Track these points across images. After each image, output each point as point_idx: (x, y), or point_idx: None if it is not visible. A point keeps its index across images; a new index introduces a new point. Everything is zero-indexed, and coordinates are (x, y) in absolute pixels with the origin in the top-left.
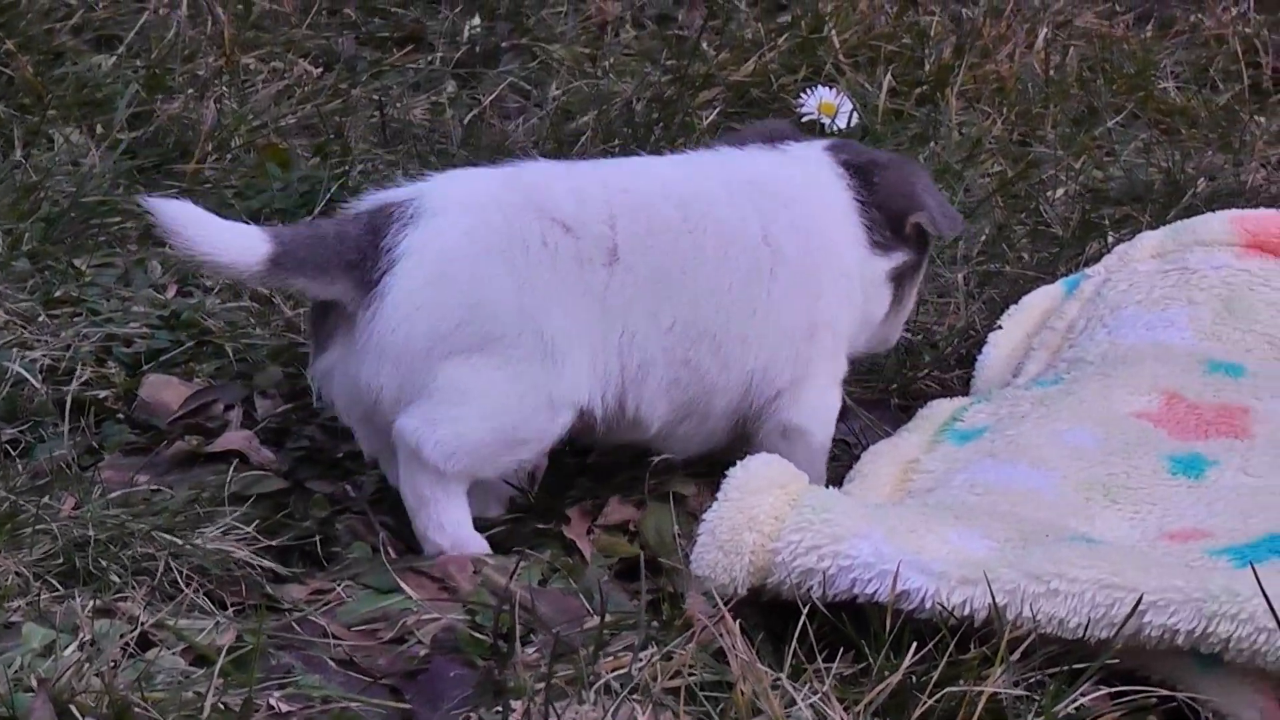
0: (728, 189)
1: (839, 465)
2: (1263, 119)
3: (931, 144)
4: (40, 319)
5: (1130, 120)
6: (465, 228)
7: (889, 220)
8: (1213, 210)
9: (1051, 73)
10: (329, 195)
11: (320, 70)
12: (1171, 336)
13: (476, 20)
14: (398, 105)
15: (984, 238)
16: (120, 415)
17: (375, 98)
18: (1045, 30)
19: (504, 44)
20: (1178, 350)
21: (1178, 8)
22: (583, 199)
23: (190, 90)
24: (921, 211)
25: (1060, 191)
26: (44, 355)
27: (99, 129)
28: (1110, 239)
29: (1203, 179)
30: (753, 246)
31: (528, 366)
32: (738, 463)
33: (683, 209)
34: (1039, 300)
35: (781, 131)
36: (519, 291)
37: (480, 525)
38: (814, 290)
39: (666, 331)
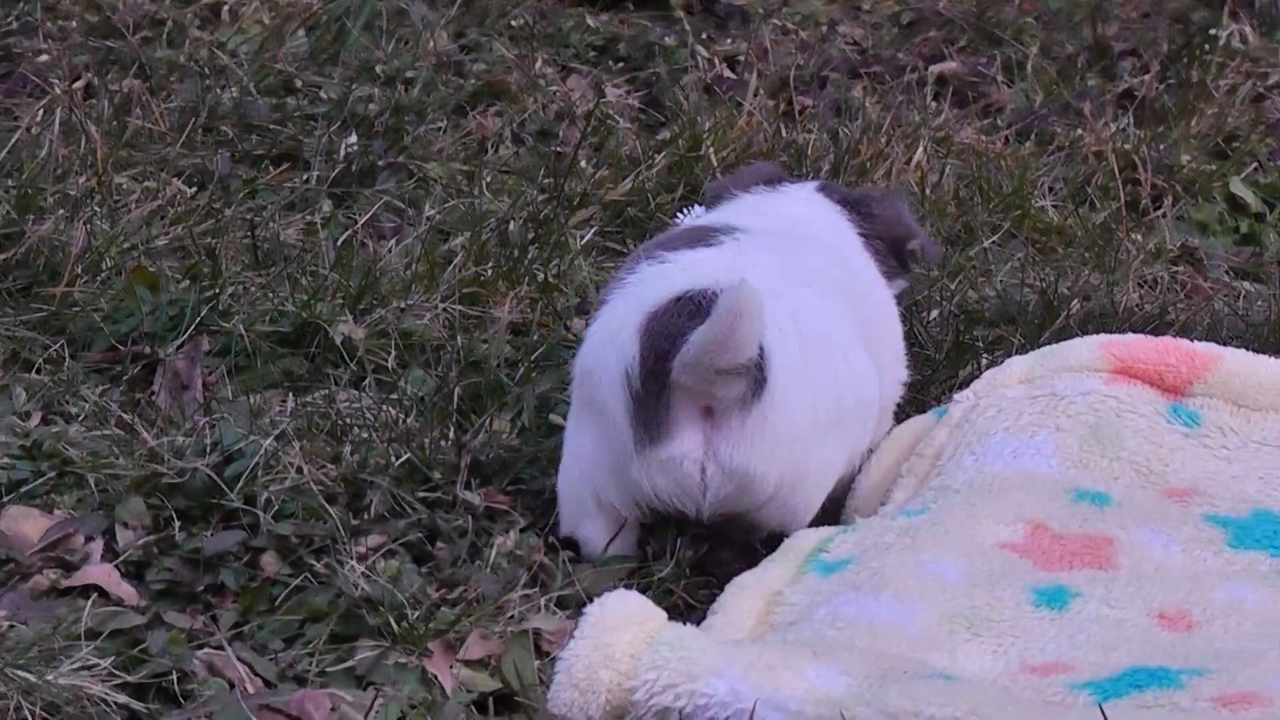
0: None
1: (716, 590)
2: (1139, 236)
3: None
4: None
5: (1007, 239)
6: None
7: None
8: (1085, 333)
9: (929, 191)
10: (198, 318)
11: (194, 189)
12: (1038, 464)
13: (353, 138)
14: (270, 225)
15: None
16: None
17: (248, 217)
18: (924, 146)
19: (381, 162)
20: (1043, 478)
21: (1057, 123)
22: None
23: (61, 211)
24: (916, 238)
25: (935, 313)
26: None
27: None
28: (983, 361)
29: (1077, 300)
30: None
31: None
32: (594, 599)
33: None
34: (910, 429)
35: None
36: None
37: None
38: None
39: None
